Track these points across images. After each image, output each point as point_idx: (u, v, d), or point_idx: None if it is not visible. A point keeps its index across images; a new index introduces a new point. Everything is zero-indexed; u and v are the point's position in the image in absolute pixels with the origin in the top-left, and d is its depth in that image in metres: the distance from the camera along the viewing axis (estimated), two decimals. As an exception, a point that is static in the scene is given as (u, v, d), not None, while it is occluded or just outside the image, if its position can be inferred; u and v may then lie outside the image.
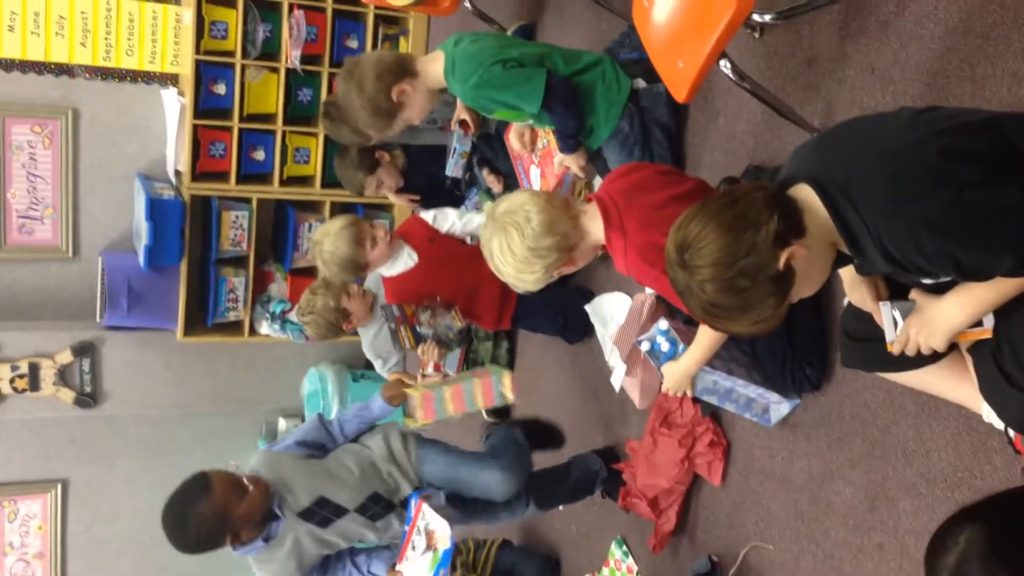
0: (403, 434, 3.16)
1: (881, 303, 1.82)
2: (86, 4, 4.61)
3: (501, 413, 4.11)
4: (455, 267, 3.35)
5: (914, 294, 1.78)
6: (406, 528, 2.85)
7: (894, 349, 1.82)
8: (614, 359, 3.16)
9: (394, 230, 3.59)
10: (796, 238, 1.52)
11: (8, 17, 4.50)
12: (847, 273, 1.98)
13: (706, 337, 2.27)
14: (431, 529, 2.71)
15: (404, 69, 2.85)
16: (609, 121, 2.85)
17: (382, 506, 3.00)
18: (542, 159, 3.30)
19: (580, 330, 3.53)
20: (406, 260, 3.35)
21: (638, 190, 2.18)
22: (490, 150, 3.74)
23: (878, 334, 1.89)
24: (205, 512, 2.72)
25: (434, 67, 2.86)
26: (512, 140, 3.33)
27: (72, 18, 4.61)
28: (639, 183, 2.22)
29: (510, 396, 3.05)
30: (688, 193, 2.19)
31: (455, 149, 3.85)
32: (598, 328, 3.26)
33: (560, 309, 3.50)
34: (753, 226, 1.50)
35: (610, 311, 3.21)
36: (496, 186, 3.83)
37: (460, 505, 3.07)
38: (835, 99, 2.42)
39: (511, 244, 2.14)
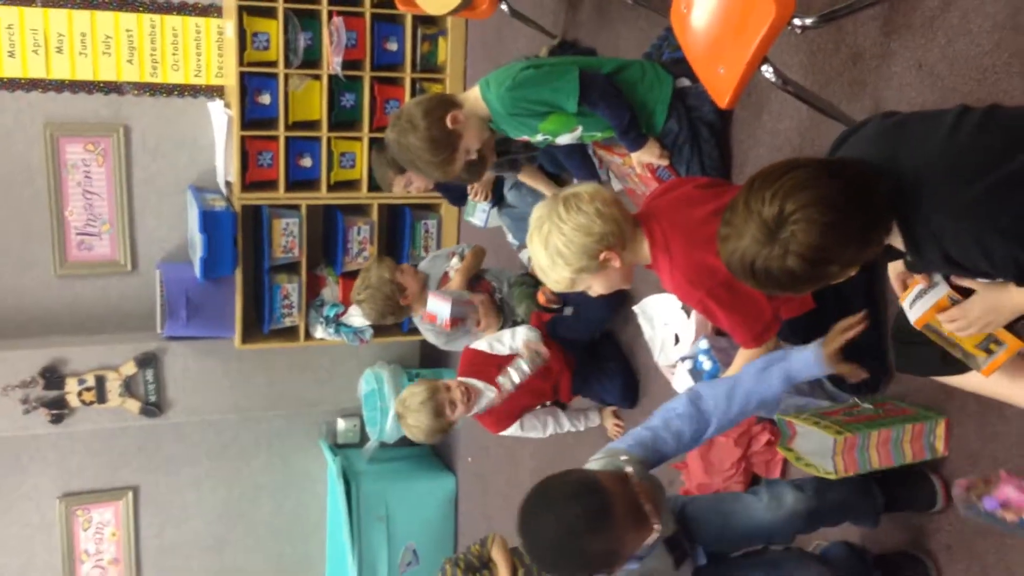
0: None
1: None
2: (131, 22, 4.69)
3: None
4: (531, 383, 3.36)
5: (975, 284, 1.76)
6: None
7: (952, 327, 1.80)
8: (664, 358, 3.16)
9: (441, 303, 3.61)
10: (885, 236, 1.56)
11: (56, 39, 4.59)
12: (894, 269, 1.96)
13: (744, 357, 2.27)
14: None
15: (447, 100, 2.86)
16: (658, 115, 2.82)
17: None
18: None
19: (635, 395, 3.58)
20: (488, 396, 3.32)
21: (682, 206, 2.16)
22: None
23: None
24: (598, 548, 1.83)
25: (473, 92, 2.87)
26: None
27: (118, 37, 4.69)
28: (683, 199, 2.20)
29: (941, 448, 2.25)
30: None
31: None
32: (646, 329, 3.26)
33: (615, 375, 3.54)
34: (866, 242, 1.54)
35: (657, 311, 3.20)
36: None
37: None
38: (882, 95, 2.38)
39: (551, 240, 2.14)
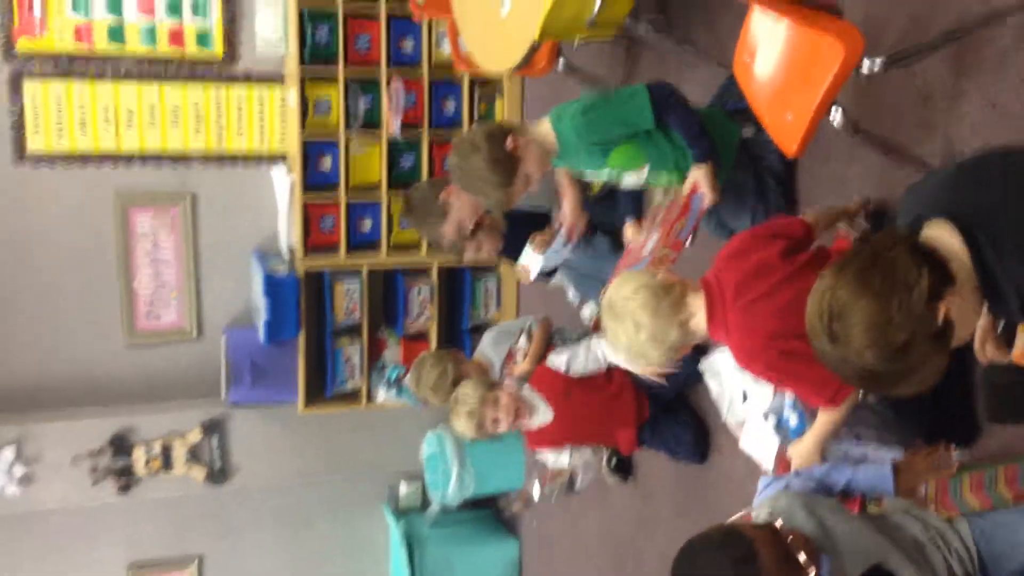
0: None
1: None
2: (198, 93, 4.82)
3: (624, 468, 4.01)
4: (592, 419, 3.46)
5: None
6: None
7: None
8: (732, 416, 3.07)
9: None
10: (948, 287, 1.43)
11: (126, 113, 4.73)
12: (980, 334, 1.87)
13: (826, 421, 2.19)
14: None
15: (509, 126, 2.89)
16: (725, 164, 2.77)
17: None
18: (663, 224, 3.05)
19: (707, 448, 3.52)
20: (542, 417, 3.42)
21: (750, 279, 2.10)
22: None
23: None
24: None
25: (542, 124, 2.86)
26: (627, 232, 3.21)
27: (185, 108, 4.82)
28: (753, 270, 2.13)
29: None
30: (801, 268, 2.11)
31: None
32: (712, 386, 3.17)
33: (687, 427, 3.50)
34: (904, 287, 1.41)
35: (724, 367, 3.11)
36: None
37: None
38: (955, 136, 2.32)
39: (620, 344, 2.17)
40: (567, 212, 3.39)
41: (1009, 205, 1.45)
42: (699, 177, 2.77)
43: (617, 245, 3.74)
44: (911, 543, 2.00)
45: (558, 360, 3.49)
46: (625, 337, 2.14)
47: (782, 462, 2.55)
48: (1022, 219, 1.42)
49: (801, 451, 2.33)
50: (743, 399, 2.98)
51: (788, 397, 2.36)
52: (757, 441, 2.72)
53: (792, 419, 2.35)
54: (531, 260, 3.52)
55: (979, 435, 2.28)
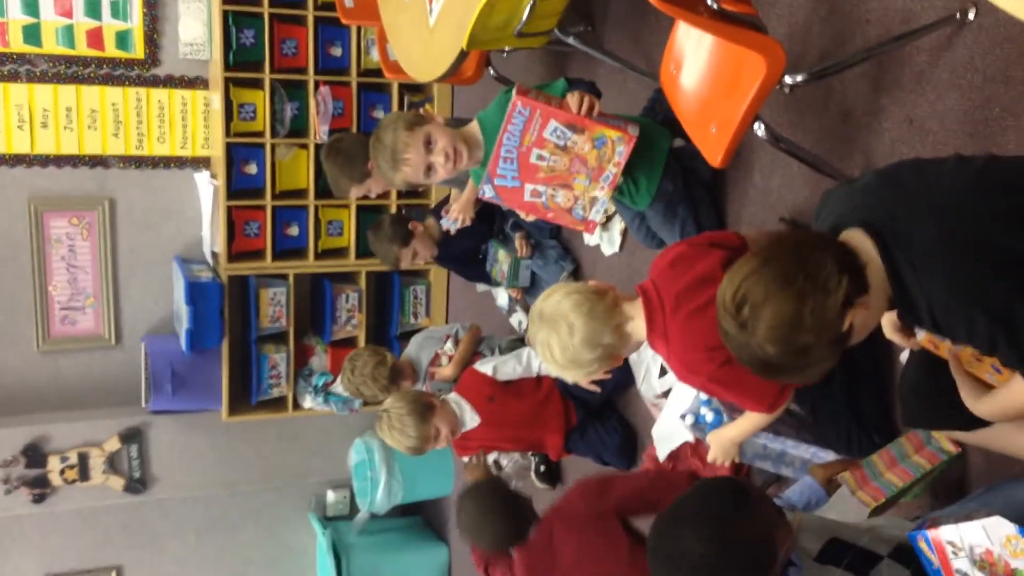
0: None
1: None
2: (117, 96, 4.69)
3: (552, 475, 4.04)
4: (519, 424, 3.47)
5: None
6: None
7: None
8: (647, 388, 3.11)
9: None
10: (860, 296, 1.47)
11: (41, 114, 4.59)
12: (888, 319, 1.92)
13: (752, 421, 2.23)
14: None
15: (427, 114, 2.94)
16: (654, 174, 2.79)
17: None
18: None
19: (634, 452, 3.55)
20: (469, 421, 3.45)
21: (692, 289, 2.07)
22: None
23: (944, 389, 1.83)
24: (753, 537, 1.69)
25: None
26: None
27: (104, 110, 4.69)
28: (696, 280, 2.10)
29: (951, 448, 2.17)
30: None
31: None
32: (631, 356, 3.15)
33: (613, 432, 3.53)
34: (823, 292, 1.44)
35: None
36: (524, 251, 3.84)
37: None
38: (873, 151, 2.39)
39: (553, 352, 2.09)
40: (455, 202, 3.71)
41: (923, 219, 1.48)
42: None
43: (565, 251, 3.80)
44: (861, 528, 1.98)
45: (485, 366, 3.50)
46: (558, 343, 2.07)
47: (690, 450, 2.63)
48: (933, 234, 1.45)
49: (722, 441, 2.38)
50: (660, 373, 3.03)
51: (703, 395, 2.40)
52: (667, 434, 2.78)
53: (708, 416, 2.40)
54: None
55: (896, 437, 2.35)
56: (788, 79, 2.20)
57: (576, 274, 3.80)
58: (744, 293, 1.48)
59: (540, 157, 2.72)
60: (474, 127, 2.87)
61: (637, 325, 2.10)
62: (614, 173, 2.71)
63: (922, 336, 1.83)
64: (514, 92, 2.65)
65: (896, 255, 1.47)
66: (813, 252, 1.47)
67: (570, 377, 2.19)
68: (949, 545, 1.53)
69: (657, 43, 3.03)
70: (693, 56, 2.37)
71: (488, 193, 2.82)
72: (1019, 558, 1.44)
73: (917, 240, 1.46)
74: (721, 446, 2.40)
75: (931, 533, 1.56)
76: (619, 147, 2.67)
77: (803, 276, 1.44)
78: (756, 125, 2.21)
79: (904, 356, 2.15)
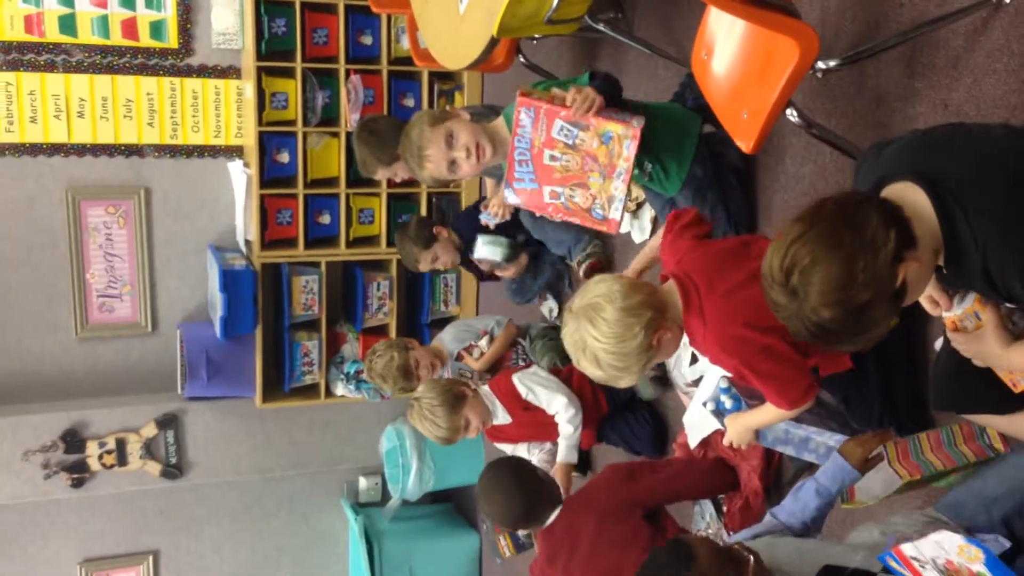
0: None
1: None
2: (151, 85, 4.75)
3: (581, 463, 4.04)
4: (550, 425, 3.42)
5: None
6: None
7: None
8: (678, 375, 3.12)
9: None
10: (910, 251, 1.44)
11: (77, 104, 4.65)
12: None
13: (773, 414, 2.21)
14: None
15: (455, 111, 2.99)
16: (684, 160, 2.78)
17: None
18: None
19: (665, 443, 3.53)
20: (501, 418, 3.44)
21: (716, 268, 2.06)
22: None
23: (977, 372, 1.80)
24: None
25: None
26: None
27: (139, 100, 4.75)
28: (716, 260, 2.10)
29: (1001, 447, 2.12)
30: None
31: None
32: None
33: (645, 422, 3.52)
34: (871, 248, 1.41)
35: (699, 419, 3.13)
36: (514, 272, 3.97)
37: None
38: (907, 136, 2.36)
39: (597, 352, 2.01)
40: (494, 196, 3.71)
41: (975, 166, 1.47)
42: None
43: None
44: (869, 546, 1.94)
45: (522, 385, 3.44)
46: (599, 348, 2.00)
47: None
48: (986, 178, 1.44)
49: (738, 426, 2.38)
50: (691, 361, 3.03)
51: (722, 383, 2.40)
52: (698, 421, 2.78)
53: (728, 403, 2.40)
54: (481, 249, 3.79)
55: (930, 427, 2.32)
56: (821, 64, 2.19)
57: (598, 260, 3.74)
58: (791, 260, 1.45)
59: (552, 157, 2.71)
60: (500, 123, 2.88)
61: (676, 307, 2.06)
62: (626, 168, 2.69)
63: (954, 312, 1.80)
64: (516, 97, 2.66)
65: (948, 201, 1.45)
66: (857, 210, 1.45)
67: (628, 379, 2.09)
68: (914, 560, 1.54)
69: (688, 29, 3.01)
70: (725, 41, 2.35)
71: (511, 199, 2.82)
72: (976, 563, 1.46)
73: (970, 186, 1.44)
74: (737, 430, 2.40)
75: (895, 552, 1.57)
76: (626, 141, 2.64)
77: (850, 235, 1.42)
78: (788, 111, 2.20)
79: (938, 344, 2.13)
